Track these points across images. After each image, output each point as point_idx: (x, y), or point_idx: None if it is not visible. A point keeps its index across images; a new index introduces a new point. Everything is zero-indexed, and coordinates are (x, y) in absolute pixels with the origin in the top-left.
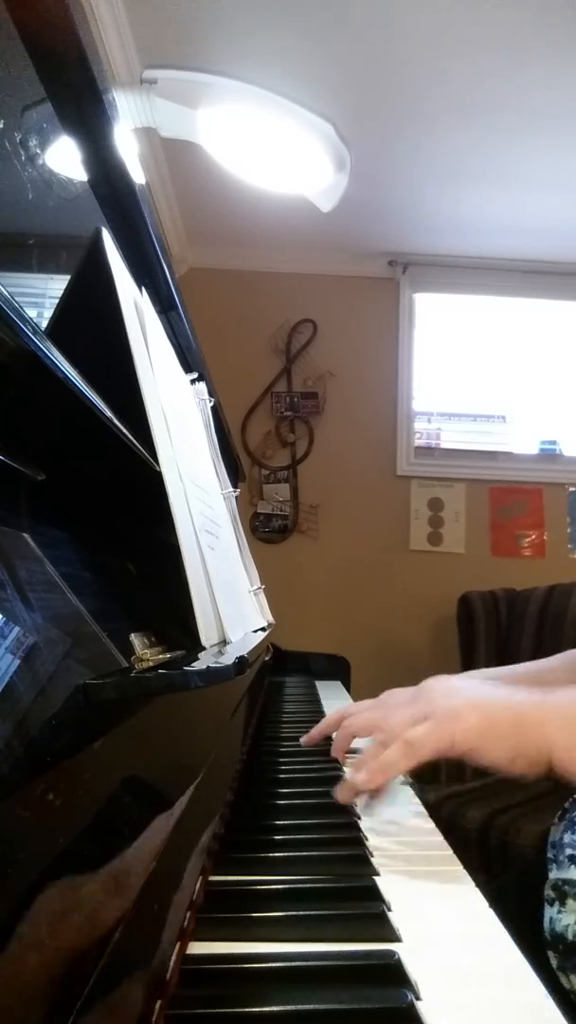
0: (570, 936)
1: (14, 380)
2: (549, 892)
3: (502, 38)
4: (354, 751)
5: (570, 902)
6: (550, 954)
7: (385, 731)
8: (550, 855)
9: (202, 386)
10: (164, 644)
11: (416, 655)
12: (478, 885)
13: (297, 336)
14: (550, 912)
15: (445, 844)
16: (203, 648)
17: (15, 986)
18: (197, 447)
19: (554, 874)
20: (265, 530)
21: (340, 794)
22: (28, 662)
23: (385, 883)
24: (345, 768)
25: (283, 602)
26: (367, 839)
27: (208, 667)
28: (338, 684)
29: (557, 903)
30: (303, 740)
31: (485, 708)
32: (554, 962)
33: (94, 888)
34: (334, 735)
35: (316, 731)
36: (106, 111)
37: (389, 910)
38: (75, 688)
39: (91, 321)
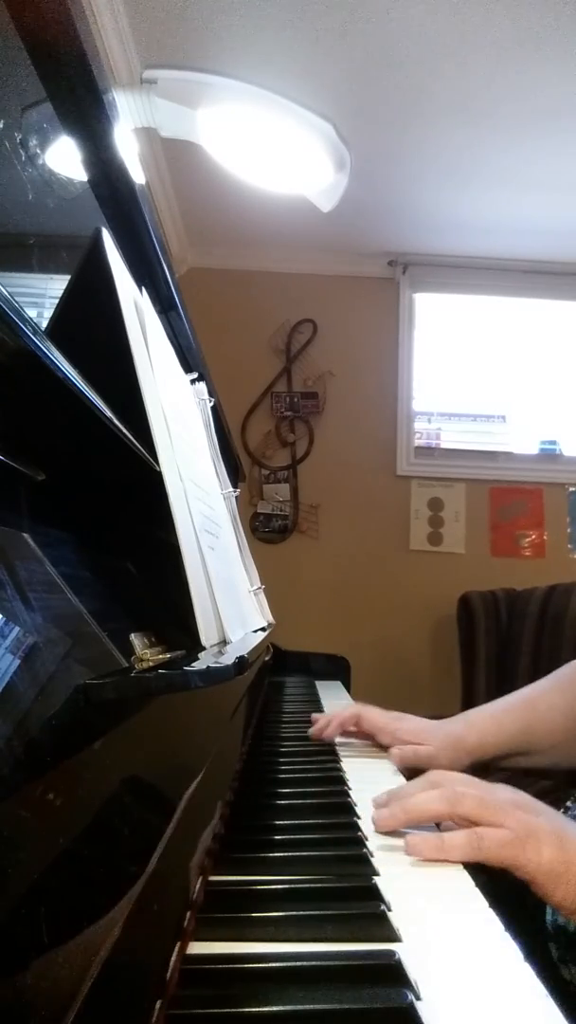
0: (571, 928)
1: (14, 380)
2: None
3: (503, 38)
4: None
5: None
6: (551, 945)
7: (456, 803)
8: None
9: (202, 386)
10: (164, 644)
11: (416, 655)
12: (478, 885)
13: (297, 336)
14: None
15: None
16: (203, 648)
17: (15, 986)
18: (197, 447)
19: None
20: (265, 530)
21: (381, 824)
22: (28, 662)
23: (385, 883)
24: (344, 763)
25: (283, 602)
26: (367, 839)
27: (208, 667)
28: (338, 684)
29: None
30: (312, 731)
31: (565, 846)
32: (555, 954)
33: (94, 888)
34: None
35: (333, 727)
36: (106, 111)
37: (389, 910)
38: (75, 688)
39: (91, 321)
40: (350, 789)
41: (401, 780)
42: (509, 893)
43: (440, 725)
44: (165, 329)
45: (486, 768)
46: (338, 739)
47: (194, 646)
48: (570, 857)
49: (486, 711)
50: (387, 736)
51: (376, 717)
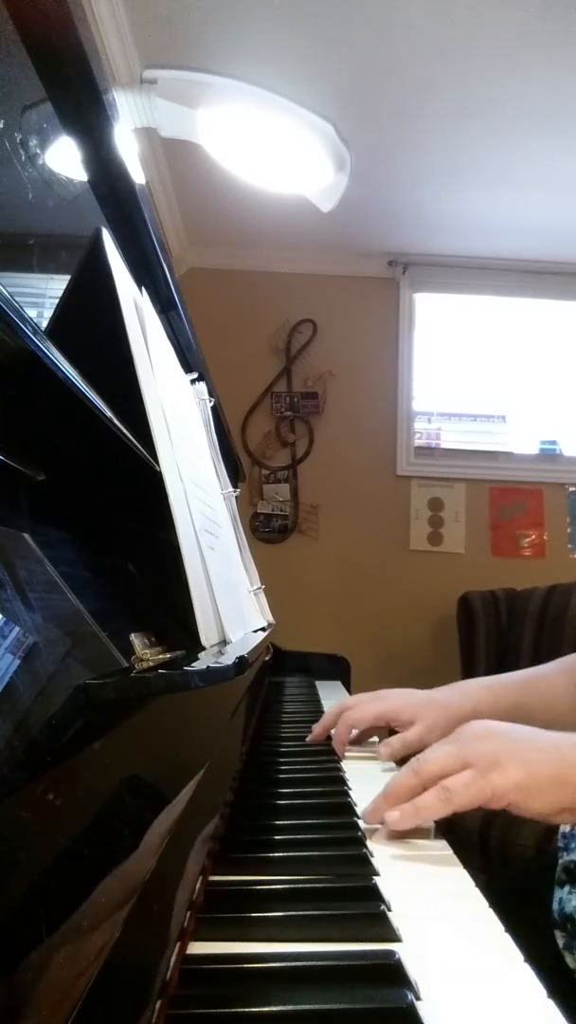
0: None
1: (14, 380)
2: (560, 875)
3: (502, 38)
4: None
5: None
6: (557, 933)
7: (422, 762)
8: (560, 844)
9: (202, 386)
10: (164, 644)
11: (416, 655)
12: (478, 885)
13: (297, 336)
14: (560, 894)
15: (445, 844)
16: (203, 648)
17: (15, 986)
18: (197, 447)
19: (565, 858)
20: (265, 530)
21: (368, 817)
22: (28, 662)
23: (385, 883)
24: (344, 763)
25: (283, 602)
26: (367, 839)
27: (208, 667)
28: (338, 684)
29: (568, 885)
30: (309, 739)
31: (527, 759)
32: (561, 941)
33: (94, 888)
34: (333, 731)
35: (319, 729)
36: (106, 111)
37: (389, 910)
38: (75, 688)
39: (91, 321)
40: (350, 789)
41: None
42: (509, 892)
43: (430, 697)
44: (165, 329)
45: None
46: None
47: (194, 646)
48: (533, 769)
49: (481, 682)
50: (382, 722)
51: (366, 711)
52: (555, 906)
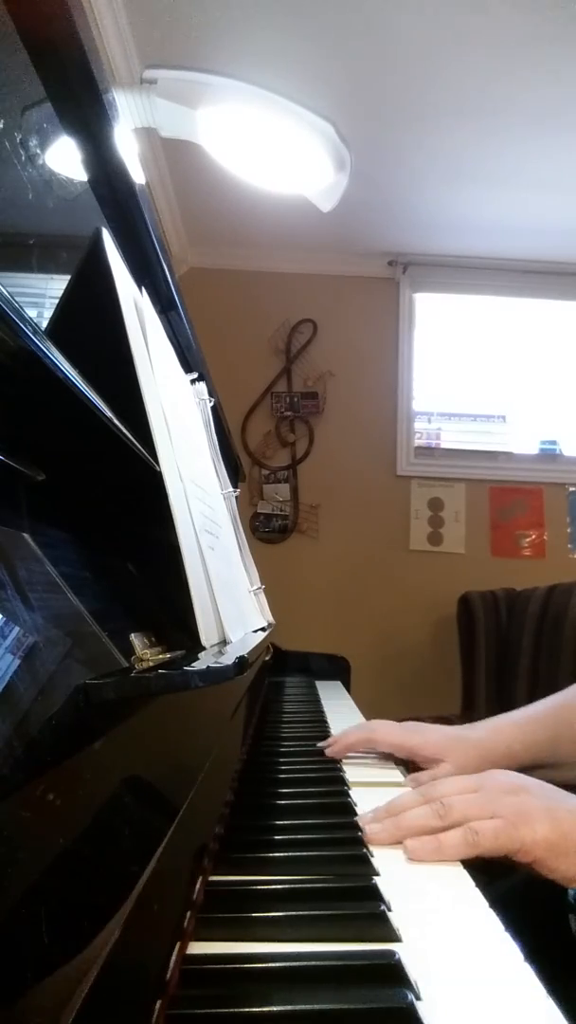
0: None
1: (14, 380)
2: None
3: (502, 38)
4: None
5: None
6: (571, 917)
7: (448, 807)
8: None
9: (202, 386)
10: (164, 644)
11: (416, 655)
12: (478, 885)
13: (297, 336)
14: None
15: None
16: (203, 648)
17: (15, 986)
18: (197, 447)
19: None
20: (265, 530)
21: (373, 837)
22: (28, 662)
23: (385, 883)
24: (344, 766)
25: (283, 602)
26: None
27: (208, 667)
28: (338, 684)
29: None
30: (322, 746)
31: (558, 818)
32: (574, 926)
33: (94, 888)
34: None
35: (340, 746)
36: (106, 111)
37: (389, 910)
38: (75, 688)
39: (91, 321)
40: (350, 789)
41: (402, 778)
42: (510, 892)
43: (461, 736)
44: (165, 329)
45: None
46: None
47: (194, 646)
48: (564, 828)
49: (511, 718)
50: (404, 753)
51: (391, 736)
52: (571, 892)
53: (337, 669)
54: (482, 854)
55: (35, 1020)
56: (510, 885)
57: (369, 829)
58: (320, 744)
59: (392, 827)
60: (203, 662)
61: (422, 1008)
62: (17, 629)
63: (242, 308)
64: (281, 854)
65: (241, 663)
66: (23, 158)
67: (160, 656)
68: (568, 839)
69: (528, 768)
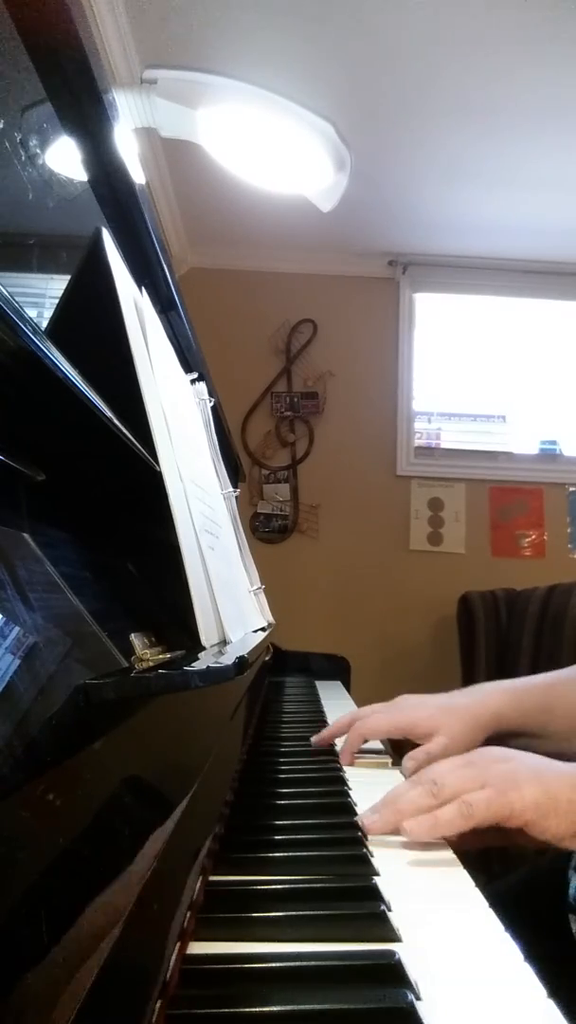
0: None
1: (14, 380)
2: None
3: (502, 38)
4: (363, 752)
5: None
6: (571, 917)
7: (440, 786)
8: None
9: (202, 386)
10: (164, 644)
11: (416, 655)
12: (478, 885)
13: (297, 336)
14: (575, 880)
15: (445, 844)
16: (203, 648)
17: (15, 986)
18: (197, 447)
19: None
20: (265, 530)
21: (371, 827)
22: (28, 662)
23: (385, 883)
24: (345, 768)
25: (283, 602)
26: (367, 839)
27: (208, 667)
28: (338, 684)
29: None
30: (314, 740)
31: (545, 779)
32: (574, 927)
33: (94, 888)
34: (341, 739)
35: (327, 733)
36: (106, 111)
37: (389, 910)
38: (75, 688)
39: (91, 321)
40: (350, 789)
41: (401, 778)
42: (510, 892)
43: (449, 705)
44: (165, 329)
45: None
46: (339, 741)
47: (194, 646)
48: (552, 789)
49: (502, 685)
50: (398, 735)
51: (381, 725)
52: (571, 892)
53: (337, 669)
54: (478, 824)
55: (36, 1020)
56: (510, 885)
57: (367, 820)
58: (313, 739)
59: (389, 814)
60: (203, 662)
61: (422, 1008)
62: (17, 629)
63: (242, 308)
64: (281, 854)
65: (241, 663)
66: (23, 158)
67: (160, 656)
68: (556, 799)
69: (516, 735)
